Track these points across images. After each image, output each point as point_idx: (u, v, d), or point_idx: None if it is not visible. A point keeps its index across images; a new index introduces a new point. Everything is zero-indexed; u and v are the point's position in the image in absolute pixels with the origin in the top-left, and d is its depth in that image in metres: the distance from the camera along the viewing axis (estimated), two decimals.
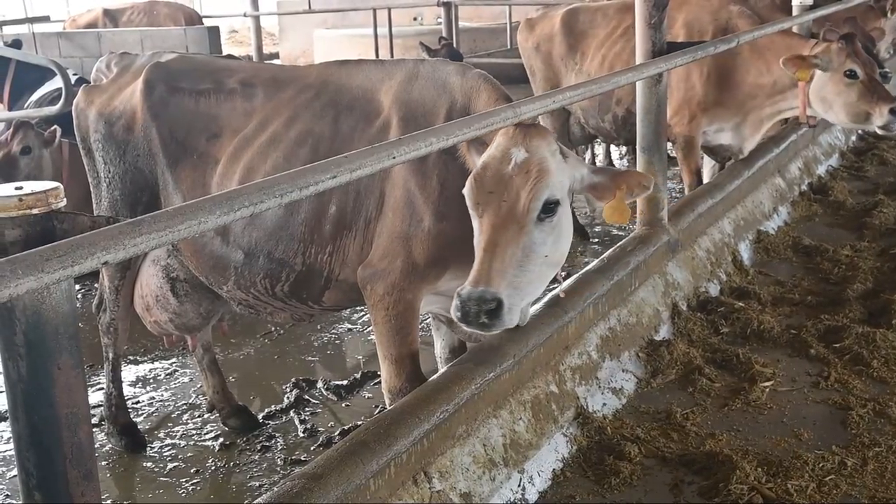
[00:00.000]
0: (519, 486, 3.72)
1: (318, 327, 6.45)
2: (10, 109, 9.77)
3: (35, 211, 2.07)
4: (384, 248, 3.81)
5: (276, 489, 2.99)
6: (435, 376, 3.78)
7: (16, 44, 10.63)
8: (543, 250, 3.27)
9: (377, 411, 5.16)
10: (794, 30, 7.22)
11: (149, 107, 4.36)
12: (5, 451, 4.98)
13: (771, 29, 6.17)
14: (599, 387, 4.46)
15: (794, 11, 7.97)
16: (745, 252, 6.42)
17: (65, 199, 2.12)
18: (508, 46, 15.29)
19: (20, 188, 2.10)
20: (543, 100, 3.42)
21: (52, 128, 6.84)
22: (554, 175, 3.27)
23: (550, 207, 3.25)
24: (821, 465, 3.85)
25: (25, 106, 9.43)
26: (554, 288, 4.83)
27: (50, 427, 2.11)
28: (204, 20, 15.72)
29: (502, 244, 3.18)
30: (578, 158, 3.49)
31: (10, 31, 13.35)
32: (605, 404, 4.40)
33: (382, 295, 3.82)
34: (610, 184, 3.39)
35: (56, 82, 8.98)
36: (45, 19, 15.24)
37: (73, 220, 2.09)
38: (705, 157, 7.13)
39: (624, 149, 11.03)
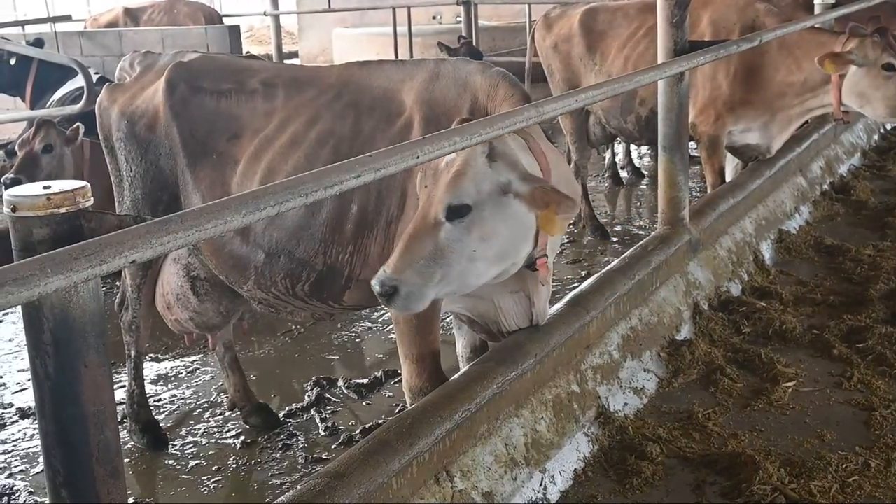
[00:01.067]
0: (541, 485, 3.72)
1: (339, 326, 6.46)
2: (32, 108, 9.84)
3: (63, 210, 2.08)
4: None
5: (299, 487, 3.00)
6: (457, 375, 3.79)
7: (38, 43, 10.69)
8: (463, 247, 3.24)
9: (398, 410, 5.17)
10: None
11: (170, 106, 4.38)
12: (29, 448, 5.01)
13: (795, 27, 6.12)
14: (621, 386, 4.45)
15: (816, 10, 7.93)
16: (766, 251, 6.39)
17: (92, 199, 2.13)
18: (528, 45, 15.23)
19: (48, 187, 2.12)
20: (566, 99, 3.42)
21: (75, 125, 6.88)
22: (466, 180, 3.23)
23: (458, 210, 3.23)
24: (844, 465, 3.84)
25: (47, 105, 9.50)
26: (576, 286, 4.83)
27: (77, 425, 2.13)
28: (223, 19, 15.76)
29: (416, 237, 3.25)
30: (514, 163, 3.32)
31: (32, 30, 13.41)
32: (626, 404, 4.39)
33: None
34: (535, 199, 3.29)
35: (78, 81, 9.04)
36: (67, 18, 15.31)
37: (101, 219, 2.10)
38: (728, 155, 7.08)
39: (644, 148, 10.99)
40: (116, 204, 4.73)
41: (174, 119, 4.36)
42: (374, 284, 3.20)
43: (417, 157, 2.66)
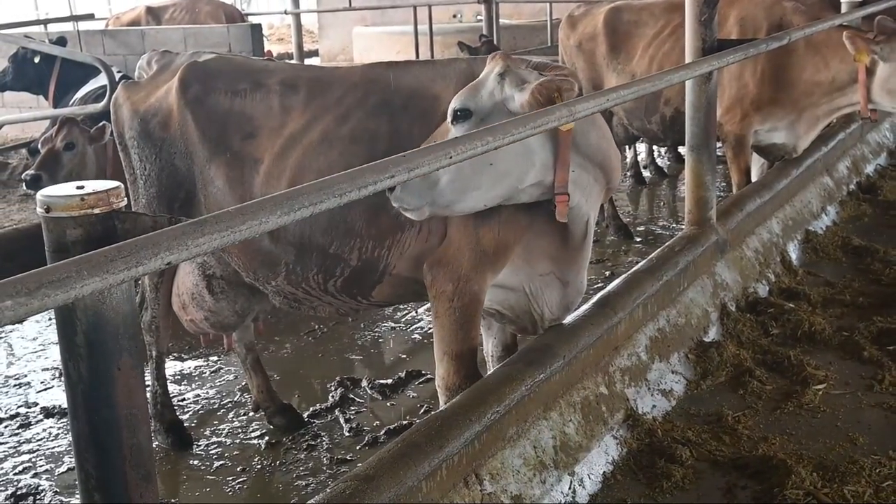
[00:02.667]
0: (569, 488, 3.68)
1: (361, 326, 6.44)
2: (55, 107, 9.86)
3: (96, 211, 2.06)
4: (449, 238, 3.77)
5: (328, 490, 2.98)
6: (485, 377, 3.76)
7: (61, 41, 10.71)
8: None
9: (422, 411, 5.14)
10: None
11: (184, 105, 4.36)
12: (54, 448, 5.00)
13: (824, 25, 6.06)
14: (649, 388, 4.41)
15: (843, 9, 7.84)
16: (793, 252, 6.34)
17: (125, 199, 2.11)
18: (549, 43, 15.21)
19: (81, 188, 2.10)
20: (598, 98, 3.38)
21: (101, 124, 6.86)
22: (472, 89, 3.51)
23: (461, 115, 3.46)
24: (878, 470, 3.79)
25: (70, 103, 9.51)
26: (602, 287, 4.79)
27: (110, 428, 2.10)
28: (246, 18, 15.78)
29: (430, 140, 3.50)
30: (521, 80, 3.46)
31: (55, 28, 13.46)
32: (654, 406, 4.35)
33: (447, 286, 3.75)
34: (538, 99, 3.36)
35: (101, 80, 9.05)
36: (90, 17, 15.35)
37: (135, 219, 2.08)
38: (753, 154, 7.01)
39: (663, 149, 10.93)
40: (132, 202, 4.71)
41: (189, 118, 4.35)
42: None
43: (451, 157, 2.63)
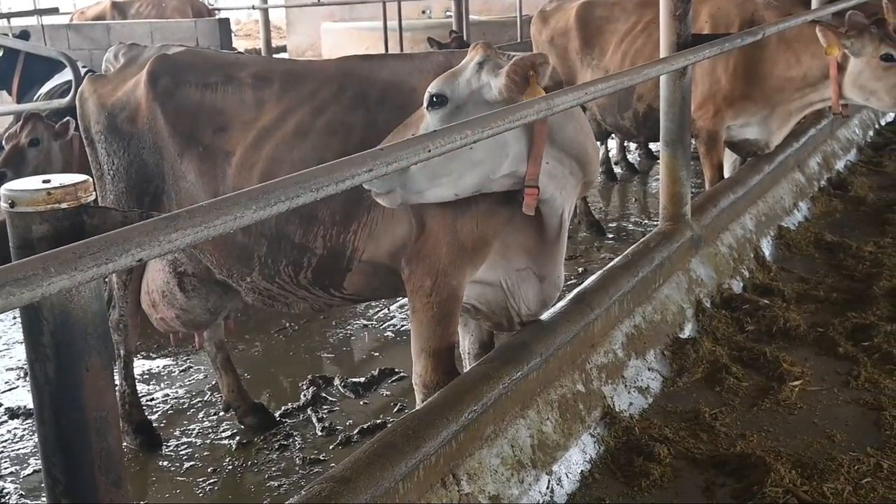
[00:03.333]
0: (547, 488, 3.64)
1: (333, 323, 6.36)
2: (19, 102, 9.68)
3: (64, 205, 1.98)
4: (427, 231, 3.70)
5: (303, 493, 2.91)
6: (462, 375, 3.70)
7: (24, 35, 10.54)
8: None
9: (396, 409, 5.08)
10: None
11: (153, 98, 4.27)
12: (19, 450, 4.89)
13: (798, 21, 6.05)
14: (626, 386, 4.37)
15: (814, 4, 7.86)
16: (766, 248, 6.33)
17: (94, 193, 2.02)
18: (519, 39, 15.18)
19: (48, 181, 2.01)
20: (576, 91, 3.33)
21: (65, 120, 6.74)
22: (450, 76, 3.45)
23: (436, 101, 3.40)
24: (856, 467, 3.77)
25: (35, 98, 9.34)
26: (577, 283, 4.75)
27: (78, 431, 2.02)
28: (214, 13, 15.62)
29: (405, 125, 3.52)
30: (499, 67, 3.39)
31: (18, 23, 13.23)
32: (631, 404, 4.31)
33: (425, 281, 3.68)
34: (513, 80, 3.30)
35: (66, 75, 8.89)
36: (54, 11, 15.11)
37: (104, 214, 2.00)
38: (725, 150, 7.00)
39: (632, 145, 10.91)
40: (99, 198, 4.61)
41: (158, 112, 4.25)
42: None
43: (429, 151, 2.57)
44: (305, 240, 3.92)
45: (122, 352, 4.88)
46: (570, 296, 4.39)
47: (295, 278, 4.04)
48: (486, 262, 3.74)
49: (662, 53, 5.22)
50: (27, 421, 5.18)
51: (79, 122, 4.66)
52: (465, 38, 12.52)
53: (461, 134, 2.69)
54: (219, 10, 17.79)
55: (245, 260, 4.11)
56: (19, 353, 6.14)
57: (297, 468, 4.57)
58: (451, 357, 3.78)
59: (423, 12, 20.80)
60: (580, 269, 7.13)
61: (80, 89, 4.68)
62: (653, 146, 10.36)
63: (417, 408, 3.53)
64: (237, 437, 4.88)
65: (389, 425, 3.33)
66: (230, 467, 4.63)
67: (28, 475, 4.64)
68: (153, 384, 5.60)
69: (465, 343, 4.33)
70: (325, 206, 3.84)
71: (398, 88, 3.86)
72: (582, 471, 3.80)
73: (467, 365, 4.28)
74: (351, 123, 3.86)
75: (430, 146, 2.58)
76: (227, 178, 4.08)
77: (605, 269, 4.79)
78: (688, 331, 5.03)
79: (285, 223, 3.93)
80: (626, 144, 10.54)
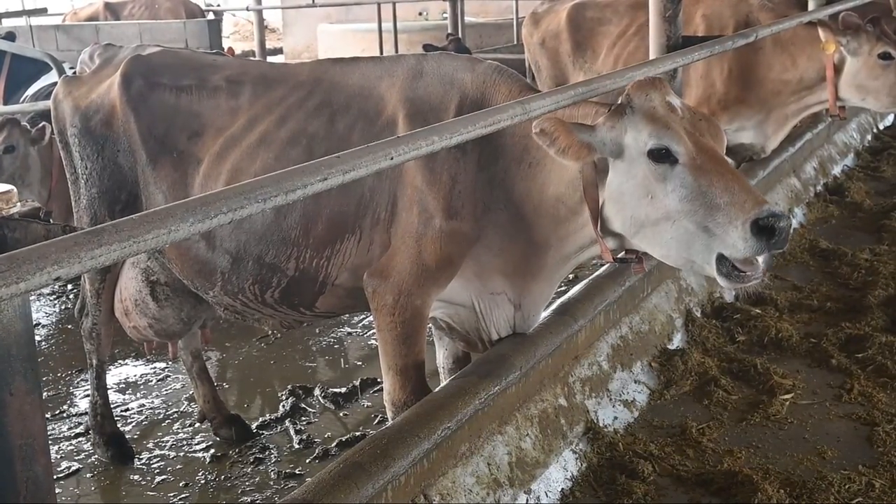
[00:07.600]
0: None
1: (317, 331, 6.21)
2: (5, 103, 9.55)
3: None
4: (392, 249, 3.56)
5: None
6: (436, 390, 3.56)
7: (10, 36, 10.41)
8: None
9: (376, 421, 4.93)
10: None
11: (127, 101, 4.13)
12: None
13: (791, 23, 5.91)
14: (610, 399, 4.23)
15: (810, 6, 7.72)
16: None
17: (18, 204, 1.88)
18: (515, 42, 15.06)
19: None
20: (556, 95, 3.18)
21: (41, 124, 6.58)
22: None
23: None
24: (847, 486, 3.63)
25: (22, 100, 9.22)
26: (563, 292, 4.60)
27: (2, 460, 1.88)
28: (206, 14, 15.48)
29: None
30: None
31: (7, 23, 13.09)
32: (616, 418, 4.17)
33: (388, 299, 3.56)
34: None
35: (53, 76, 8.78)
36: (43, 12, 14.96)
37: (26, 228, 1.86)
38: None
39: None
40: (73, 203, 4.47)
41: (132, 115, 4.12)
42: (782, 219, 2.93)
43: (391, 158, 2.42)
44: (277, 260, 3.79)
45: (94, 361, 4.74)
46: (553, 306, 4.25)
47: (260, 296, 3.91)
48: (458, 281, 3.60)
49: (652, 55, 5.08)
50: None
51: (53, 124, 4.53)
52: (461, 40, 12.39)
53: (427, 140, 2.55)
54: (213, 11, 17.63)
55: (207, 274, 3.97)
56: None
57: (271, 483, 4.43)
58: (419, 374, 3.64)
59: (420, 14, 20.67)
60: (570, 276, 6.98)
61: (54, 91, 4.55)
62: None
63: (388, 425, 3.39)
64: (212, 450, 4.73)
65: (358, 444, 3.19)
66: (203, 481, 4.48)
67: None
68: (129, 393, 5.46)
69: (440, 357, 4.19)
70: (297, 228, 3.70)
71: (365, 95, 3.72)
72: (562, 489, 3.66)
73: (443, 379, 4.14)
74: (313, 133, 3.72)
75: (392, 153, 2.43)
76: (195, 187, 3.95)
77: (590, 277, 4.65)
78: (676, 341, 4.89)
79: (255, 242, 3.79)
80: None
